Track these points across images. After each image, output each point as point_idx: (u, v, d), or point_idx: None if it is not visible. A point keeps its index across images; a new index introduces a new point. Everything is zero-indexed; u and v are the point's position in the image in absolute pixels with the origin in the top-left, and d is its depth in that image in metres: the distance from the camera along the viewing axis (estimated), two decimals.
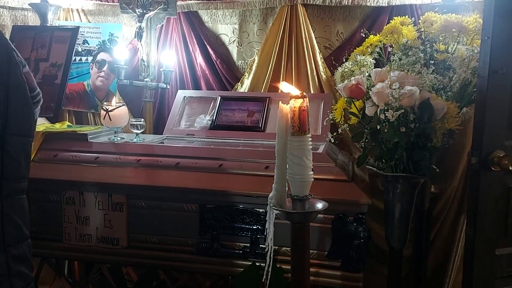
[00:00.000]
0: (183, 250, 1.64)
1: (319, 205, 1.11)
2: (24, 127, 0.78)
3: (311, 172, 1.11)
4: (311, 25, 2.39)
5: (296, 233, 1.11)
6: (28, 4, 2.38)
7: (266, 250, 1.20)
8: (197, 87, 2.57)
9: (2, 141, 0.71)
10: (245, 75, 2.51)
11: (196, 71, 2.59)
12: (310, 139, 1.11)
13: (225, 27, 2.57)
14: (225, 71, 2.55)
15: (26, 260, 0.78)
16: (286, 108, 1.11)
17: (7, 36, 2.75)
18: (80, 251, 1.69)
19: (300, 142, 1.09)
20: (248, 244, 1.57)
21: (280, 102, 1.12)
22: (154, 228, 1.65)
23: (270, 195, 1.14)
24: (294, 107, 1.09)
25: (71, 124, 2.20)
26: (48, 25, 2.42)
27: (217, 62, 2.55)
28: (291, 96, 1.09)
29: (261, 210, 1.56)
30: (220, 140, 2.03)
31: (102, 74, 2.65)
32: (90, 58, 2.67)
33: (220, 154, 1.71)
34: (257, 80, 2.47)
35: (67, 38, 2.29)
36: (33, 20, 2.76)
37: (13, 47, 0.80)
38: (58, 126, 2.01)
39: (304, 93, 1.09)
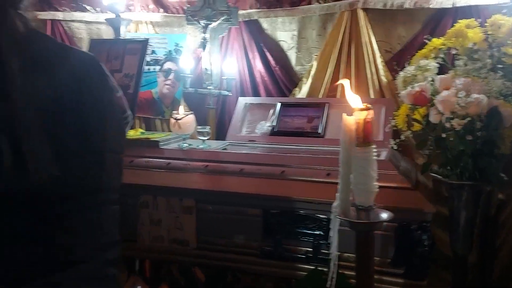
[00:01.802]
0: (247, 253, 1.71)
1: (384, 215, 1.14)
2: (119, 145, 0.89)
3: (376, 183, 1.13)
4: (371, 29, 2.39)
5: (360, 243, 1.14)
6: (104, 19, 2.58)
7: (329, 256, 1.24)
8: (256, 93, 2.66)
9: (101, 159, 0.82)
10: (303, 81, 2.56)
11: (255, 78, 2.67)
12: (375, 150, 1.13)
13: (284, 34, 2.63)
14: (283, 77, 2.61)
15: (118, 264, 0.88)
16: (350, 120, 1.15)
17: (85, 48, 3.00)
18: (153, 251, 1.82)
19: (364, 153, 1.12)
20: (311, 249, 1.62)
21: (344, 114, 1.16)
22: (220, 231, 1.74)
23: (334, 204, 1.18)
24: (359, 119, 1.11)
25: (143, 131, 2.36)
26: (120, 38, 2.61)
27: (276, 68, 2.62)
28: (356, 109, 1.12)
29: (322, 216, 1.59)
30: (281, 146, 2.09)
31: (168, 82, 2.81)
32: (157, 68, 2.84)
33: (282, 161, 1.77)
34: (315, 85, 2.51)
35: (138, 50, 2.45)
36: (105, 32, 2.98)
37: (108, 73, 0.90)
38: (132, 133, 2.17)
39: (369, 105, 1.12)
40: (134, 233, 1.82)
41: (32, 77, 0.72)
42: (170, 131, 2.86)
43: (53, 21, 2.96)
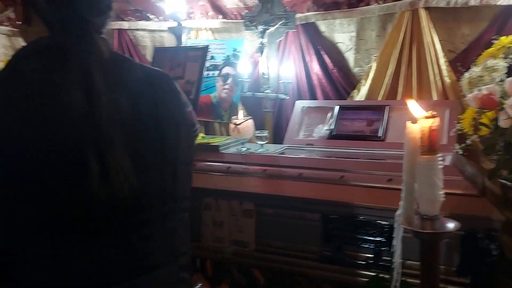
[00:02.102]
0: (306, 257, 1.73)
1: (451, 225, 1.11)
2: (189, 156, 0.95)
3: (442, 191, 1.11)
4: (433, 29, 2.31)
5: (425, 252, 1.12)
6: (167, 28, 2.70)
7: (391, 264, 1.23)
8: (313, 96, 2.66)
9: (175, 171, 0.88)
10: (362, 82, 2.52)
11: (312, 81, 2.67)
12: (441, 158, 1.11)
13: (342, 36, 2.61)
14: (341, 79, 2.59)
15: (189, 268, 0.94)
16: (414, 128, 1.13)
17: (148, 56, 3.15)
18: (215, 252, 1.89)
19: (430, 162, 1.10)
20: (371, 255, 1.61)
21: (408, 122, 1.14)
22: (279, 234, 1.77)
23: (398, 212, 1.17)
24: (423, 127, 1.10)
25: (204, 135, 2.45)
26: (182, 45, 2.72)
27: (334, 70, 2.60)
28: (420, 117, 1.10)
29: (384, 223, 1.58)
30: (339, 150, 2.08)
31: (226, 86, 2.88)
32: (216, 73, 2.93)
33: (342, 165, 1.76)
34: (375, 87, 2.47)
35: (199, 57, 2.54)
36: (168, 40, 3.11)
37: (180, 89, 0.96)
38: None
39: (434, 113, 1.10)
40: (198, 233, 1.90)
41: (115, 95, 0.79)
42: (228, 134, 2.94)
43: (120, 30, 3.14)
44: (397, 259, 1.19)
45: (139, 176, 0.79)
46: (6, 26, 3.08)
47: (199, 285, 2.20)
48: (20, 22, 0.85)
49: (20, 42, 2.99)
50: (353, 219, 1.63)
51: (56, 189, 0.74)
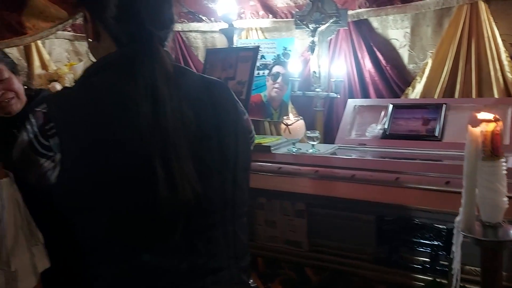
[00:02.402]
0: (360, 258, 1.72)
1: None
2: (247, 163, 0.98)
3: (506, 198, 1.07)
4: (494, 22, 2.20)
5: (487, 260, 1.08)
6: (219, 30, 2.76)
7: (449, 269, 1.20)
8: (365, 94, 2.62)
9: (234, 177, 0.91)
10: (417, 79, 2.45)
11: (364, 78, 2.63)
12: (504, 163, 1.07)
13: (396, 32, 2.55)
14: (395, 76, 2.53)
15: (248, 270, 0.98)
16: (476, 131, 1.09)
17: (200, 57, 3.23)
18: (268, 250, 1.92)
19: (492, 168, 1.06)
20: (428, 259, 1.57)
21: (469, 126, 1.11)
22: (332, 235, 1.77)
23: (457, 218, 1.14)
24: (486, 131, 1.06)
25: (255, 136, 2.48)
26: (233, 46, 2.77)
27: (387, 67, 2.55)
28: (482, 120, 1.07)
29: (441, 226, 1.54)
30: (393, 150, 2.04)
31: (276, 85, 2.90)
32: (266, 72, 2.95)
33: (397, 167, 1.73)
34: (431, 84, 2.39)
35: (250, 57, 2.57)
36: (219, 40, 3.18)
37: (237, 99, 0.99)
38: None
39: (497, 117, 1.06)
40: (251, 232, 1.94)
41: (179, 105, 0.83)
42: (277, 133, 2.96)
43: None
44: (456, 266, 1.16)
45: (202, 181, 0.83)
46: (69, 31, 3.27)
47: (251, 281, 2.24)
48: (91, 39, 0.91)
49: (81, 47, 3.16)
50: (409, 222, 1.60)
51: (127, 194, 0.79)
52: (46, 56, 3.04)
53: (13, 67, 1.62)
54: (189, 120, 0.84)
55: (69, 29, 3.30)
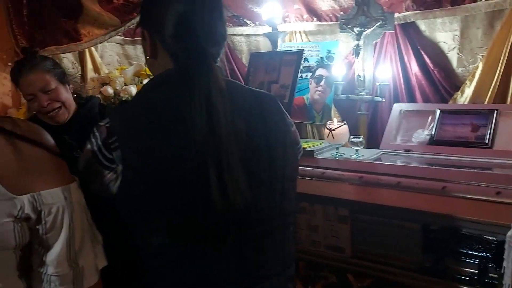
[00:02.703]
0: (404, 267, 1.70)
1: None
2: (295, 174, 1.01)
3: None
4: None
5: None
6: (263, 34, 2.80)
7: (502, 286, 1.18)
8: (411, 98, 2.57)
9: (282, 188, 0.94)
10: (466, 83, 2.38)
11: (411, 82, 2.58)
12: None
13: (444, 35, 2.48)
14: (442, 80, 2.47)
15: (294, 278, 1.01)
16: None
17: (244, 60, 3.28)
18: (310, 254, 1.94)
19: None
20: (476, 271, 1.53)
21: None
22: (376, 242, 1.77)
23: (509, 233, 1.12)
24: None
25: None
26: (277, 50, 2.79)
27: (435, 71, 2.49)
28: None
29: (491, 238, 1.50)
30: (441, 157, 1.99)
31: (319, 88, 2.89)
32: (309, 74, 2.96)
33: (443, 175, 1.70)
34: (481, 88, 2.31)
35: (293, 61, 2.59)
36: (263, 44, 3.21)
37: (284, 111, 1.02)
38: None
39: None
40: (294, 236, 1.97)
41: (232, 118, 0.87)
42: (320, 136, 2.96)
43: None
44: (507, 281, 1.13)
45: (251, 192, 0.86)
46: (120, 36, 3.40)
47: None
48: (149, 57, 0.96)
49: (131, 50, 3.29)
50: (456, 232, 1.58)
51: (183, 202, 0.84)
52: (98, 59, 3.19)
53: (62, 78, 1.64)
54: (240, 132, 0.88)
55: (120, 33, 3.44)
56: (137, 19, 2.67)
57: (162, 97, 0.89)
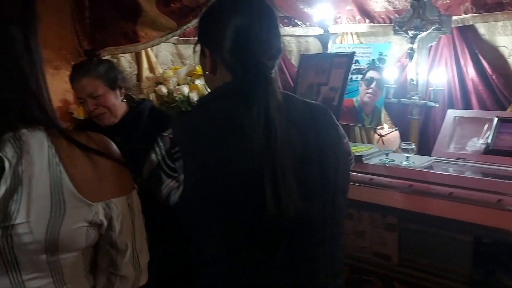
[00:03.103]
0: (453, 278, 1.67)
1: None
2: (346, 185, 1.03)
3: None
4: None
5: None
6: (314, 36, 2.80)
7: None
8: (467, 104, 2.48)
9: (333, 199, 0.97)
10: None
11: (467, 87, 2.49)
12: None
13: (505, 39, 2.37)
14: (501, 86, 2.36)
15: None
16: None
17: (293, 60, 3.30)
18: (355, 260, 1.94)
19: None
20: None
21: None
22: (424, 251, 1.75)
23: None
24: None
25: None
26: (327, 52, 2.79)
27: (493, 76, 2.39)
28: None
29: None
30: (497, 167, 1.92)
31: (370, 91, 2.85)
32: (359, 76, 2.92)
33: (500, 187, 1.64)
34: None
35: (344, 64, 2.57)
36: (313, 45, 3.21)
37: (337, 123, 1.04)
38: None
39: None
40: None
41: (287, 130, 0.90)
42: (368, 139, 2.92)
43: None
44: None
45: (303, 202, 0.89)
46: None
47: None
48: (208, 72, 1.01)
49: (184, 50, 3.39)
50: (510, 246, 1.52)
51: (239, 211, 0.88)
52: (153, 59, 3.32)
53: (112, 84, 1.69)
54: (294, 143, 0.91)
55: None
56: (193, 22, 2.80)
57: (222, 109, 0.93)
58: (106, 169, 0.78)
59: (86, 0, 2.84)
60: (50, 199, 0.70)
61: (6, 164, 0.68)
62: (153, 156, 0.94)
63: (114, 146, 0.84)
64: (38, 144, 0.71)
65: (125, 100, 1.76)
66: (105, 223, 0.78)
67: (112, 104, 1.69)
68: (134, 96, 1.86)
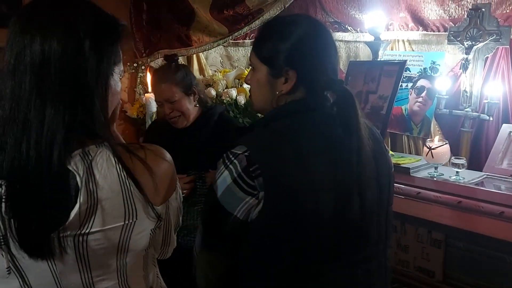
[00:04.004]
0: None
1: None
2: (393, 198, 1.07)
3: None
4: None
5: None
6: (365, 42, 2.78)
7: None
8: None
9: (387, 213, 1.01)
10: None
11: None
12: None
13: None
14: None
15: None
16: None
17: (341, 66, 3.28)
18: (397, 273, 1.93)
19: None
20: None
21: None
22: (470, 270, 1.71)
23: None
24: None
25: (392, 153, 2.46)
26: (378, 60, 2.75)
27: None
28: None
29: None
30: None
31: (420, 99, 2.79)
32: (409, 85, 2.87)
33: None
34: None
35: (394, 72, 2.54)
36: (362, 51, 3.18)
37: (382, 139, 1.07)
38: None
39: None
40: None
41: (371, 150, 0.96)
42: (416, 149, 2.86)
43: None
44: None
45: (364, 217, 0.94)
46: None
47: None
48: (284, 92, 1.03)
49: (233, 52, 3.46)
50: None
51: (309, 227, 0.93)
52: (203, 61, 3.41)
53: (187, 89, 1.79)
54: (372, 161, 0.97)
55: None
56: (245, 29, 2.85)
57: (301, 127, 0.96)
58: (163, 174, 0.85)
59: (144, 4, 2.97)
60: (124, 208, 0.77)
61: (78, 179, 0.74)
62: (226, 173, 0.95)
63: (165, 152, 0.89)
64: (106, 159, 0.77)
65: (197, 105, 1.86)
66: (164, 218, 0.86)
67: (186, 109, 1.80)
68: (206, 100, 1.94)
